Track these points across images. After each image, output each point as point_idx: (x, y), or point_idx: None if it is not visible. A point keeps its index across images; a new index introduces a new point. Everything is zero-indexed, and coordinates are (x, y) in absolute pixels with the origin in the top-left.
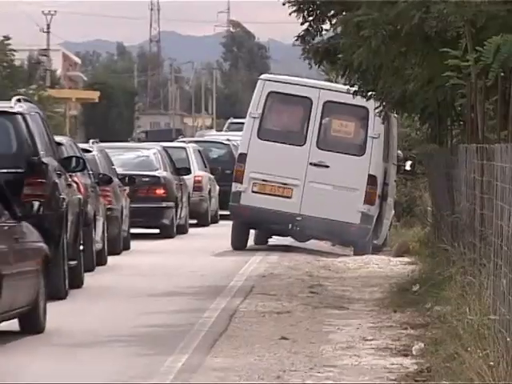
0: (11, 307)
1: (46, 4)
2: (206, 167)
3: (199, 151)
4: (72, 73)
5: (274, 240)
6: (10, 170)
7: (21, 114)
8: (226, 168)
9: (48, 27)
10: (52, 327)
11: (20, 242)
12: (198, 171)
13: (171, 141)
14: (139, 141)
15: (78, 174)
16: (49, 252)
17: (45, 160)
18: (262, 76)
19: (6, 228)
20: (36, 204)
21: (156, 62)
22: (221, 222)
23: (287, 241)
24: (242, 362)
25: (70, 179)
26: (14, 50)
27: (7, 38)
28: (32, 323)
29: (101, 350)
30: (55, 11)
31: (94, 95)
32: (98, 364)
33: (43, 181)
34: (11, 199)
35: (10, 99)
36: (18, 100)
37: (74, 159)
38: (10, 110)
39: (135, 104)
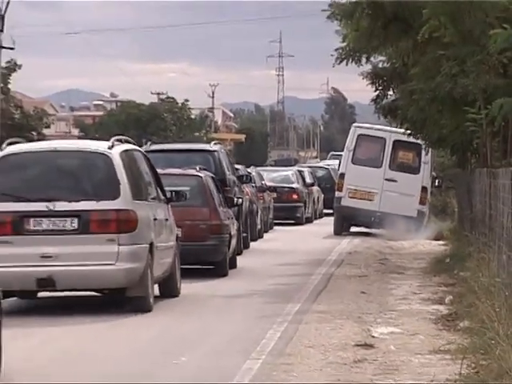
0: (231, 251)
1: (211, 78)
2: (315, 182)
3: (311, 172)
4: (228, 123)
5: (356, 229)
6: None
7: (215, 151)
8: (327, 183)
9: (213, 94)
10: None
11: (231, 219)
12: None
13: (291, 166)
14: (271, 166)
15: (247, 185)
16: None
17: (229, 177)
18: (354, 124)
19: (227, 211)
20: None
21: (281, 115)
22: (324, 218)
23: (364, 230)
24: (336, 308)
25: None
26: (191, 108)
27: (187, 100)
28: (232, 263)
29: (244, 300)
30: (217, 83)
31: (242, 137)
32: (241, 309)
33: (228, 188)
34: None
35: (189, 141)
36: (215, 143)
37: (244, 176)
38: (210, 149)
39: (268, 142)
